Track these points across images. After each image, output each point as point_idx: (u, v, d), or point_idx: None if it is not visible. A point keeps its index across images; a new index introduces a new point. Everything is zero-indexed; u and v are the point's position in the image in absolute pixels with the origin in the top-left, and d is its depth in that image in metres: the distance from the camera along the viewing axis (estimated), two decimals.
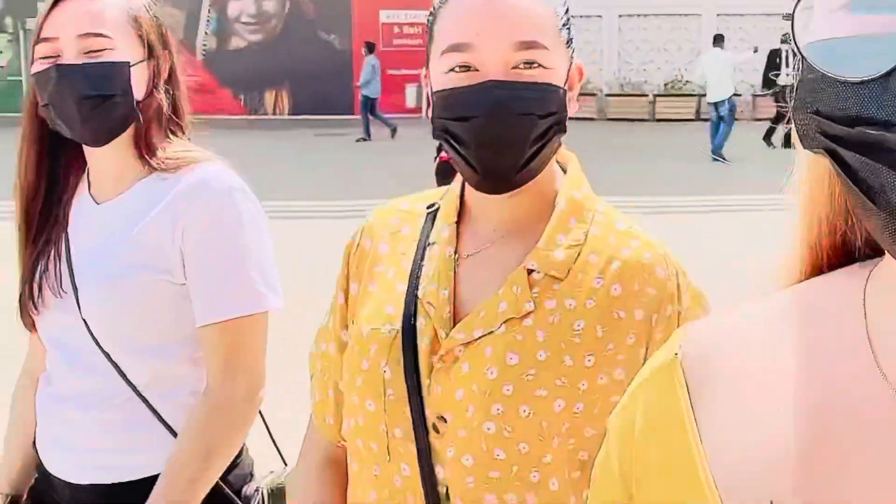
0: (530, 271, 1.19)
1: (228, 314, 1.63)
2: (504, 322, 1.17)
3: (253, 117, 23.64)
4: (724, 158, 15.26)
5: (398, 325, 1.22)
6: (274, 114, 24.26)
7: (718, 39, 16.14)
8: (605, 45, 23.76)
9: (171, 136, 1.72)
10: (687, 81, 23.30)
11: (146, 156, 1.68)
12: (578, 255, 1.19)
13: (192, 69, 23.60)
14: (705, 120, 22.15)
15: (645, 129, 20.75)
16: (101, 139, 1.65)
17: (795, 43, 0.58)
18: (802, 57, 0.58)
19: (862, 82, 0.54)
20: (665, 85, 23.55)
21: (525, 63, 1.16)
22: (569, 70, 1.23)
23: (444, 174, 5.19)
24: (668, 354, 0.74)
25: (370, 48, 19.27)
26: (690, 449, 0.68)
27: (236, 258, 1.64)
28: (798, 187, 0.71)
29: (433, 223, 1.30)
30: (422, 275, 1.25)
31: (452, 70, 1.17)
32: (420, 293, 1.23)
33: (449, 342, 1.18)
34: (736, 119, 15.83)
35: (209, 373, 1.66)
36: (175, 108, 1.75)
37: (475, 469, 1.15)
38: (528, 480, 1.13)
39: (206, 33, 25.18)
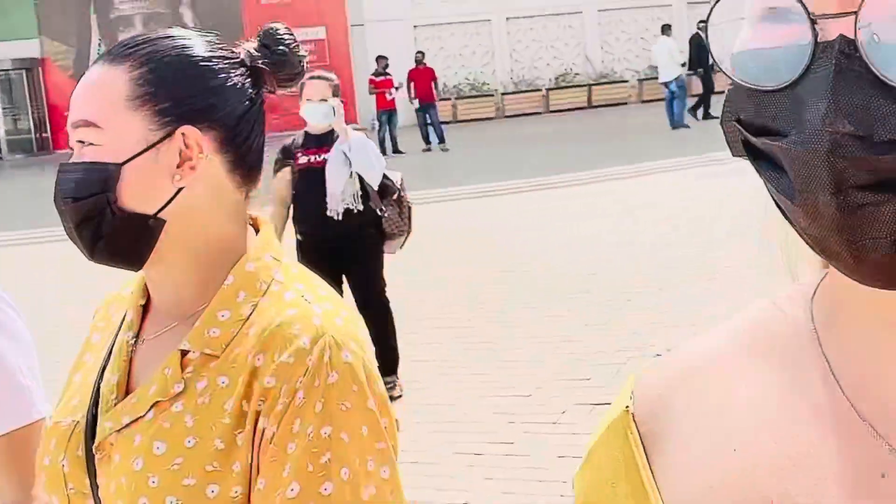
0: (185, 352, 1.14)
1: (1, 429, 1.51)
2: (153, 406, 1.12)
3: None
4: (686, 126, 17.27)
5: (79, 415, 1.18)
6: None
7: (666, 29, 17.78)
8: (497, 46, 25.02)
9: None
10: (576, 74, 24.81)
11: None
12: (240, 329, 1.14)
13: None
14: (597, 107, 23.77)
15: (540, 120, 22.05)
16: None
17: (710, 53, 0.59)
18: (718, 67, 0.59)
19: (766, 92, 0.55)
20: (557, 78, 24.96)
21: (78, 142, 1.14)
22: (164, 139, 1.13)
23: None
24: (619, 408, 0.73)
25: None
26: (647, 499, 0.68)
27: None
28: None
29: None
30: (109, 363, 1.21)
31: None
32: (103, 382, 1.19)
33: (101, 431, 1.14)
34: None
35: None
36: None
37: None
38: None
39: None
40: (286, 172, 5.17)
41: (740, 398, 0.66)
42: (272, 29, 1.24)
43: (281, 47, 1.23)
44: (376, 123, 18.57)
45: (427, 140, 18.79)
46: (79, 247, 1.16)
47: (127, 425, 1.12)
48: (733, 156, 0.61)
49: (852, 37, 0.51)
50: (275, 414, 1.07)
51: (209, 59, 1.18)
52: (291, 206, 5.22)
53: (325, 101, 5.08)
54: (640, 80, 24.75)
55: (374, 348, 4.47)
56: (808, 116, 0.52)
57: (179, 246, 1.16)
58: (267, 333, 1.12)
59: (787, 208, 0.56)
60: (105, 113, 1.12)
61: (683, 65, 17.95)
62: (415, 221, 5.41)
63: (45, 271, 9.71)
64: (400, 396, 5.36)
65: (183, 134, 1.14)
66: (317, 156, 5.10)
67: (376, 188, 5.10)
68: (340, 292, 5.35)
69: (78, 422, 1.18)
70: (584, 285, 7.39)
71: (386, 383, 5.29)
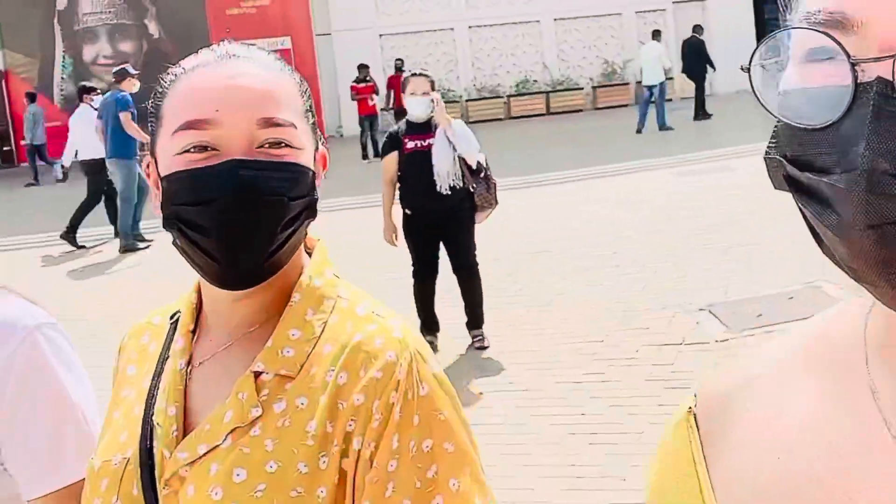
0: (258, 374, 1.09)
1: (63, 482, 1.37)
2: (230, 433, 1.06)
3: None
4: (671, 128, 18.28)
5: (129, 453, 1.12)
6: None
7: (656, 34, 18.90)
8: (460, 55, 26.07)
9: None
10: (535, 81, 25.99)
11: None
12: (313, 348, 1.10)
13: (52, 114, 24.40)
14: (554, 114, 24.94)
15: (502, 126, 23.12)
16: None
17: (755, 93, 0.61)
18: (764, 106, 0.61)
19: (811, 130, 0.58)
20: (517, 85, 26.08)
21: (271, 142, 1.08)
22: (315, 154, 1.15)
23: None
24: (684, 408, 0.77)
25: (32, 98, 21.90)
26: (700, 495, 0.72)
27: (61, 411, 1.38)
28: None
29: (174, 334, 1.20)
30: (157, 393, 1.15)
31: (187, 150, 1.06)
32: (154, 414, 1.13)
33: (172, 464, 1.08)
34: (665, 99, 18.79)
35: None
36: None
37: None
38: None
39: (62, 78, 25.97)
40: (394, 156, 6.10)
41: (791, 409, 0.70)
42: None
43: None
44: (342, 131, 19.26)
45: None
46: (237, 255, 1.07)
47: (202, 455, 1.07)
48: (775, 188, 0.64)
49: (890, 78, 0.54)
50: (370, 431, 1.05)
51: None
52: (398, 185, 6.14)
53: (427, 94, 6.03)
54: (594, 88, 26.02)
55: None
56: (849, 155, 0.56)
57: None
58: (348, 350, 1.09)
59: (829, 239, 0.60)
60: (298, 118, 1.12)
61: (668, 70, 18.99)
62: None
63: (15, 279, 10.38)
64: (488, 347, 6.29)
65: (321, 150, 1.19)
66: (422, 141, 6.03)
67: (474, 168, 6.04)
68: (437, 258, 6.28)
69: (128, 459, 1.12)
70: (610, 262, 8.41)
71: (475, 336, 6.30)
